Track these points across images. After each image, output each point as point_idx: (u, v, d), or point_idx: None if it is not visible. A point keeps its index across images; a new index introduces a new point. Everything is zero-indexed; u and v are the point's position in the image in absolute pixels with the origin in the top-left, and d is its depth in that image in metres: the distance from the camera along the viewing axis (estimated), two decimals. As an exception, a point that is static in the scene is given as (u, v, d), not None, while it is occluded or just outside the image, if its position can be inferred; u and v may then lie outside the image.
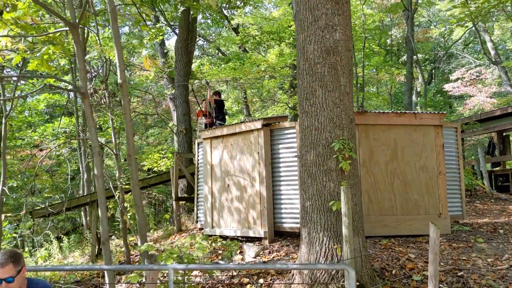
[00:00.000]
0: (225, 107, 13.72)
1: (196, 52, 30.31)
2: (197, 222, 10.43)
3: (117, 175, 9.18)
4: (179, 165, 11.10)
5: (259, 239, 8.71)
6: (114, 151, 7.85)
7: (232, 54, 25.80)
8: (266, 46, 16.95)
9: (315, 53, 6.41)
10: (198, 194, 10.43)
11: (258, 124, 8.58)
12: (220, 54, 30.35)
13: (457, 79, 26.71)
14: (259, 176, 8.55)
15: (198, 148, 10.54)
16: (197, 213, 10.40)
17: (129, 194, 9.02)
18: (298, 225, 8.19)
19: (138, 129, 29.28)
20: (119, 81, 5.63)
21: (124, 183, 9.16)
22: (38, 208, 12.22)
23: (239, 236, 9.00)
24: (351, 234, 5.67)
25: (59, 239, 14.49)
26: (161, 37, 21.14)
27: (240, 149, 9.04)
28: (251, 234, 8.64)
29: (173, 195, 10.99)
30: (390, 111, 8.69)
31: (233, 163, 9.14)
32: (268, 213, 8.41)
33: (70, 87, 9.90)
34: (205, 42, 30.42)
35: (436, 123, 8.72)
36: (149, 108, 27.97)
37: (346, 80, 6.49)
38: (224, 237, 9.29)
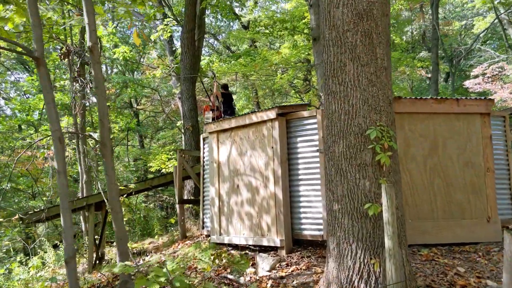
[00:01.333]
0: (234, 101, 12.47)
1: (205, 51, 29.20)
2: (203, 228, 9.18)
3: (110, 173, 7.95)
4: (183, 164, 9.86)
5: (274, 249, 7.43)
6: (96, 139, 6.57)
7: (242, 51, 24.61)
8: (278, 36, 15.67)
9: (345, 18, 5.12)
10: (204, 197, 9.18)
11: (272, 114, 7.30)
12: (229, 52, 29.17)
13: (477, 75, 25.20)
14: (274, 175, 7.28)
15: (203, 144, 9.29)
16: (203, 218, 9.15)
17: (123, 196, 7.80)
18: (321, 233, 6.89)
19: (147, 131, 28.17)
20: (88, 43, 4.42)
21: (118, 184, 7.96)
22: (30, 213, 11.06)
23: (251, 245, 7.73)
24: (396, 246, 4.37)
25: (56, 247, 13.34)
26: (169, 34, 20.09)
27: (251, 143, 7.78)
28: (265, 243, 7.36)
29: (176, 198, 9.75)
30: (429, 97, 7.36)
31: (243, 160, 7.88)
32: (284, 219, 7.13)
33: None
34: (214, 41, 29.27)
35: (482, 110, 7.38)
36: (158, 108, 26.84)
37: (383, 52, 5.20)
38: (234, 246, 8.02)
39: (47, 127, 17.61)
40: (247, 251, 7.75)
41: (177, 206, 9.90)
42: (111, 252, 11.83)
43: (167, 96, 26.41)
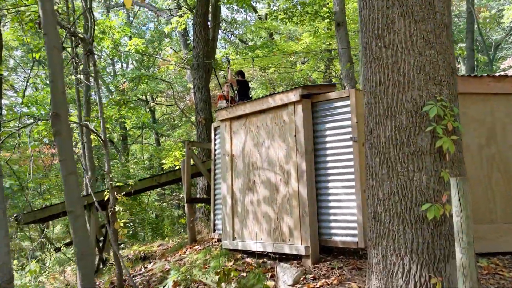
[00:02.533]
0: (251, 89, 11.28)
1: (221, 44, 28.11)
2: (214, 231, 8.02)
3: (106, 168, 6.86)
4: (193, 158, 8.69)
5: (298, 258, 6.22)
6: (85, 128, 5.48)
7: (259, 44, 23.41)
8: (298, 22, 14.39)
9: (393, -42, 3.90)
10: (215, 195, 8.02)
11: (295, 95, 6.09)
12: (246, 45, 28.03)
13: (509, 67, 23.54)
14: (296, 169, 6.07)
15: (214, 135, 8.13)
16: (214, 220, 7.99)
17: (122, 195, 6.67)
18: (355, 239, 5.66)
19: (163, 128, 27.21)
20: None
21: (115, 180, 6.87)
22: (26, 213, 10.05)
23: (269, 252, 6.54)
24: (473, 263, 3.13)
25: (58, 250, 12.33)
26: (183, 26, 19.02)
27: (269, 132, 6.58)
28: (286, 250, 6.16)
29: (184, 196, 8.60)
30: (485, 75, 6.07)
31: (260, 152, 6.69)
32: (310, 221, 5.91)
33: None
34: (231, 36, 28.13)
35: (552, 90, 6.05)
36: (173, 104, 25.81)
37: (443, 5, 3.96)
38: (249, 253, 6.84)
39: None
40: (265, 259, 6.56)
41: (185, 206, 8.75)
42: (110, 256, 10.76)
43: (182, 91, 25.40)
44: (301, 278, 5.60)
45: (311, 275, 5.63)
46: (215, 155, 8.09)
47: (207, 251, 7.33)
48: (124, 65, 28.92)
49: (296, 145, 6.10)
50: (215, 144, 8.08)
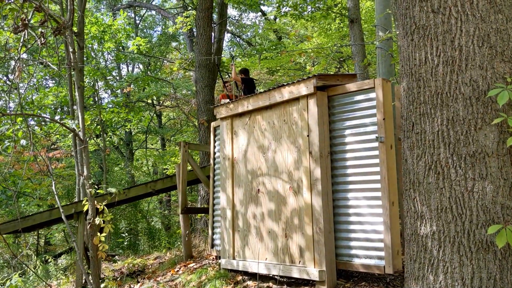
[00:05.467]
0: (256, 88, 10.31)
1: (227, 48, 27.25)
2: (212, 246, 6.98)
3: (85, 173, 5.87)
4: (189, 161, 7.66)
5: (309, 283, 5.17)
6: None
7: (267, 45, 22.46)
8: (309, 19, 13.43)
9: None
10: (214, 205, 6.99)
11: (307, 88, 5.06)
12: (250, 47, 27.12)
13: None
14: (309, 176, 5.03)
15: (214, 136, 7.11)
16: (212, 234, 6.95)
17: (103, 205, 5.64)
18: (381, 263, 4.59)
19: (168, 133, 26.28)
20: None
21: (96, 187, 5.89)
22: (6, 221, 9.10)
23: (275, 275, 5.49)
24: None
25: (46, 262, 11.37)
26: (189, 27, 18.13)
27: (276, 132, 5.55)
28: (295, 274, 5.11)
29: (179, 206, 7.56)
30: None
31: (266, 157, 5.65)
32: (325, 241, 4.85)
33: None
34: (239, 39, 27.24)
35: None
36: (178, 108, 24.87)
37: (513, -46, 2.93)
38: (251, 275, 5.80)
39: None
40: (270, 284, 5.51)
41: (180, 217, 7.71)
42: (107, 270, 9.76)
43: (188, 95, 24.50)
44: (315, 311, 4.55)
45: (327, 307, 4.58)
46: (214, 159, 7.08)
47: (202, 271, 6.29)
48: (130, 68, 28.12)
49: (308, 147, 5.06)
50: (214, 147, 7.07)
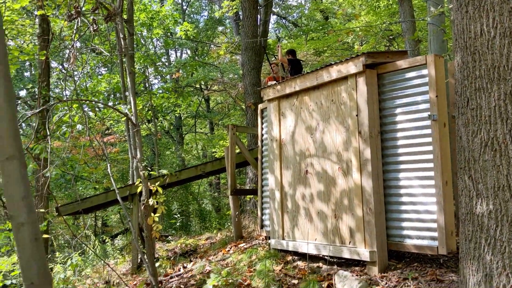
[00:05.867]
0: (304, 70, 10.19)
1: (273, 30, 27.05)
2: (262, 227, 7.07)
3: (138, 155, 6.07)
4: (237, 144, 7.75)
5: (360, 264, 5.14)
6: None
7: (313, 26, 22.10)
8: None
9: None
10: (262, 186, 7.05)
11: (356, 66, 4.96)
12: (296, 29, 26.79)
13: None
14: (358, 157, 4.97)
15: (261, 118, 7.14)
16: (261, 215, 7.03)
17: (155, 186, 5.82)
18: (434, 243, 4.49)
19: (216, 117, 26.61)
20: None
21: (149, 169, 6.07)
22: (64, 204, 9.56)
23: (325, 256, 5.50)
24: None
25: (103, 242, 11.89)
26: (235, 11, 18.14)
27: (324, 113, 5.49)
28: (345, 254, 5.09)
29: (228, 187, 7.69)
30: None
31: (314, 137, 5.62)
32: (376, 221, 4.80)
33: None
34: (285, 21, 26.96)
35: None
36: (226, 89, 25.06)
37: None
38: (301, 255, 5.83)
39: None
40: (320, 264, 5.53)
41: (230, 198, 7.84)
42: (161, 249, 10.10)
43: (235, 79, 24.63)
44: (365, 291, 4.53)
45: (378, 287, 4.55)
46: (262, 141, 7.12)
47: (253, 251, 6.39)
48: (178, 54, 28.55)
49: (357, 127, 4.99)
50: (262, 129, 7.09)
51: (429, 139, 4.53)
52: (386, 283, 4.61)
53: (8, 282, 8.63)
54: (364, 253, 4.85)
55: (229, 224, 11.52)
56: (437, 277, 4.50)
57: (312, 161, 5.62)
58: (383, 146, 5.00)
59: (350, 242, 5.09)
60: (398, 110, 4.87)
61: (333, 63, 5.29)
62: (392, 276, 4.72)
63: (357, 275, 4.86)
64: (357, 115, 5.00)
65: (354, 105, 5.04)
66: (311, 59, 21.32)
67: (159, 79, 24.45)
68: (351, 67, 5.01)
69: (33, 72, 20.59)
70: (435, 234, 4.51)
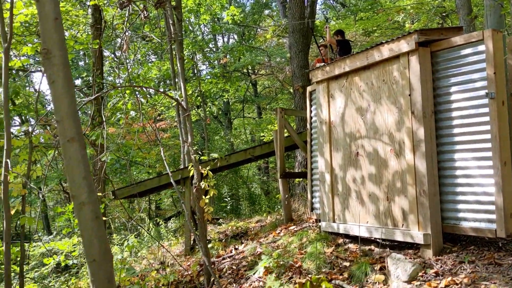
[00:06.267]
0: (352, 51, 9.99)
1: (320, 11, 26.59)
2: (312, 210, 7.06)
3: (189, 140, 6.19)
4: (286, 127, 7.73)
5: (413, 247, 5.05)
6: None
7: (362, 5, 21.52)
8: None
9: None
10: (312, 169, 7.02)
11: (408, 44, 4.81)
12: (344, 9, 26.16)
13: None
14: (411, 137, 4.84)
15: (310, 101, 7.07)
16: (311, 198, 7.01)
17: (206, 169, 5.93)
18: (493, 226, 4.35)
19: (263, 101, 26.66)
20: None
21: (199, 153, 6.19)
22: (120, 188, 9.92)
23: (377, 239, 5.43)
24: None
25: (157, 225, 12.28)
26: (282, -8, 18.01)
27: (375, 93, 5.37)
28: (398, 237, 5.01)
29: (277, 171, 7.71)
30: None
31: (364, 119, 5.52)
32: (430, 203, 4.68)
33: None
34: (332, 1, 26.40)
35: None
36: (273, 73, 25.00)
37: None
38: (352, 238, 5.79)
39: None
40: (371, 246, 5.47)
41: (279, 181, 7.86)
42: (213, 232, 10.33)
43: (282, 63, 24.48)
44: (419, 274, 4.46)
45: (433, 270, 4.45)
46: (311, 124, 7.06)
47: (303, 234, 6.40)
48: (225, 39, 28.68)
49: (410, 107, 4.85)
50: (310, 112, 7.04)
51: (487, 118, 4.35)
52: (441, 266, 4.51)
53: (69, 262, 9.11)
54: (417, 236, 4.75)
55: (278, 207, 11.58)
56: (495, 260, 4.35)
57: (363, 142, 5.53)
58: (437, 126, 4.84)
59: (403, 224, 5.00)
60: (453, 89, 4.68)
61: (384, 42, 5.15)
62: (447, 259, 4.61)
63: (410, 258, 4.78)
64: (410, 95, 4.86)
65: (406, 84, 4.90)
66: (360, 40, 20.84)
67: (207, 65, 24.71)
68: (403, 45, 4.85)
69: (87, 61, 21.33)
70: (493, 216, 4.34)
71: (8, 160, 4.32)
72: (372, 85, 5.40)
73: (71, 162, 1.92)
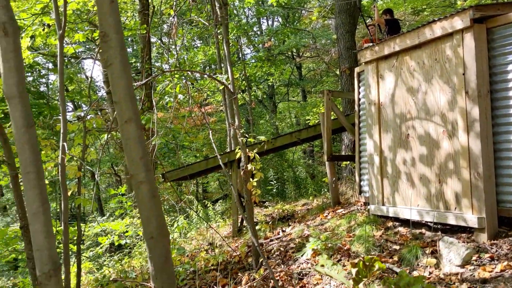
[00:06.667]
0: (402, 30, 9.71)
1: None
2: (360, 193, 6.98)
3: (236, 122, 6.24)
4: (333, 109, 7.64)
5: (467, 230, 4.91)
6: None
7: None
8: None
9: None
10: (360, 152, 6.92)
11: (462, 21, 4.62)
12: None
13: None
14: (465, 118, 4.67)
15: (358, 82, 6.95)
16: (359, 181, 6.93)
17: (253, 152, 5.97)
18: (553, 210, 4.14)
19: (308, 84, 26.43)
20: None
21: (246, 135, 6.23)
22: (169, 171, 10.16)
23: (428, 222, 5.31)
24: None
25: (205, 207, 12.52)
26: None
27: (426, 72, 5.21)
28: (451, 220, 4.89)
29: (324, 153, 7.65)
30: None
31: (415, 99, 5.37)
32: (485, 186, 4.53)
33: None
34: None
35: None
36: (319, 55, 24.65)
37: None
38: (402, 221, 5.69)
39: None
40: (422, 230, 5.36)
41: (326, 164, 7.81)
42: (259, 214, 10.44)
43: (327, 45, 24.12)
44: (473, 258, 4.34)
45: (488, 255, 4.33)
46: (359, 105, 6.94)
47: (351, 217, 6.36)
48: (270, 22, 28.52)
49: (464, 86, 4.67)
50: (359, 93, 6.91)
51: (549, 96, 4.13)
52: (496, 251, 4.37)
53: (122, 242, 9.48)
54: (471, 219, 4.62)
55: (325, 190, 11.55)
56: None
57: (413, 123, 5.39)
58: (493, 106, 4.65)
59: (455, 207, 4.87)
60: (511, 67, 4.47)
61: (436, 19, 4.97)
62: (503, 244, 4.46)
63: (464, 242, 4.66)
64: (463, 74, 4.68)
65: (460, 63, 4.72)
66: (409, 19, 20.18)
67: (252, 49, 24.69)
68: (457, 22, 4.66)
69: (135, 47, 21.79)
70: (554, 199, 4.15)
71: (64, 144, 4.51)
72: (424, 64, 5.24)
73: (129, 143, 1.99)
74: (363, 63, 6.26)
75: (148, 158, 2.04)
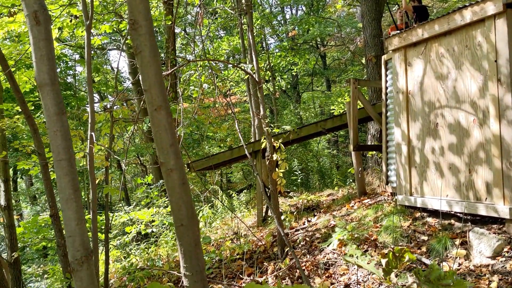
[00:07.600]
0: (430, 17, 9.49)
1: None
2: (387, 183, 6.89)
3: (261, 112, 6.22)
4: (360, 98, 7.54)
5: (498, 221, 4.80)
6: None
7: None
8: None
9: None
10: (387, 142, 6.83)
11: (495, 5, 4.47)
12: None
13: None
14: (496, 106, 4.55)
15: (385, 70, 6.83)
16: (386, 171, 6.84)
17: (279, 142, 5.95)
18: None
19: (333, 74, 26.17)
20: None
21: (271, 125, 6.23)
22: (194, 161, 10.23)
23: (458, 213, 5.21)
24: None
25: (230, 197, 12.59)
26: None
27: (456, 59, 5.08)
28: (481, 211, 4.78)
29: (350, 143, 7.57)
30: None
31: (444, 87, 5.25)
32: (518, 175, 4.41)
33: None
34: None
35: None
36: (342, 46, 24.35)
37: None
38: (431, 212, 5.60)
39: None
40: (451, 221, 5.27)
41: (352, 154, 7.73)
42: (284, 204, 10.43)
43: (352, 33, 23.78)
44: (505, 249, 4.26)
45: (520, 246, 4.22)
46: (386, 94, 6.83)
47: (378, 207, 6.30)
48: (294, 11, 28.29)
49: (496, 74, 4.54)
50: (386, 81, 6.80)
51: None
52: (529, 242, 4.26)
53: (149, 231, 9.61)
54: (503, 210, 4.51)
55: (350, 180, 11.45)
56: None
57: (442, 112, 5.28)
58: (527, 93, 4.51)
59: (486, 198, 4.76)
60: (547, 52, 4.32)
61: (467, 5, 4.83)
62: (536, 235, 4.34)
63: (495, 233, 4.56)
64: (495, 61, 4.54)
65: (492, 49, 4.58)
66: (437, 6, 19.72)
67: (275, 38, 24.53)
68: (489, 7, 4.52)
69: (159, 38, 21.92)
70: None
71: (92, 133, 4.57)
72: (454, 51, 5.11)
73: (159, 130, 1.99)
74: (391, 51, 6.15)
75: (178, 146, 2.05)
